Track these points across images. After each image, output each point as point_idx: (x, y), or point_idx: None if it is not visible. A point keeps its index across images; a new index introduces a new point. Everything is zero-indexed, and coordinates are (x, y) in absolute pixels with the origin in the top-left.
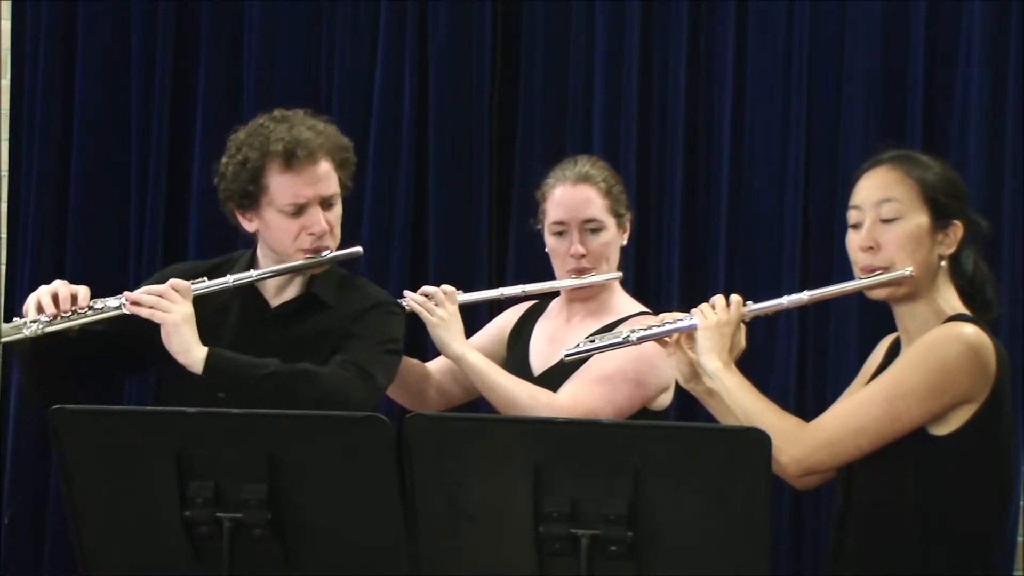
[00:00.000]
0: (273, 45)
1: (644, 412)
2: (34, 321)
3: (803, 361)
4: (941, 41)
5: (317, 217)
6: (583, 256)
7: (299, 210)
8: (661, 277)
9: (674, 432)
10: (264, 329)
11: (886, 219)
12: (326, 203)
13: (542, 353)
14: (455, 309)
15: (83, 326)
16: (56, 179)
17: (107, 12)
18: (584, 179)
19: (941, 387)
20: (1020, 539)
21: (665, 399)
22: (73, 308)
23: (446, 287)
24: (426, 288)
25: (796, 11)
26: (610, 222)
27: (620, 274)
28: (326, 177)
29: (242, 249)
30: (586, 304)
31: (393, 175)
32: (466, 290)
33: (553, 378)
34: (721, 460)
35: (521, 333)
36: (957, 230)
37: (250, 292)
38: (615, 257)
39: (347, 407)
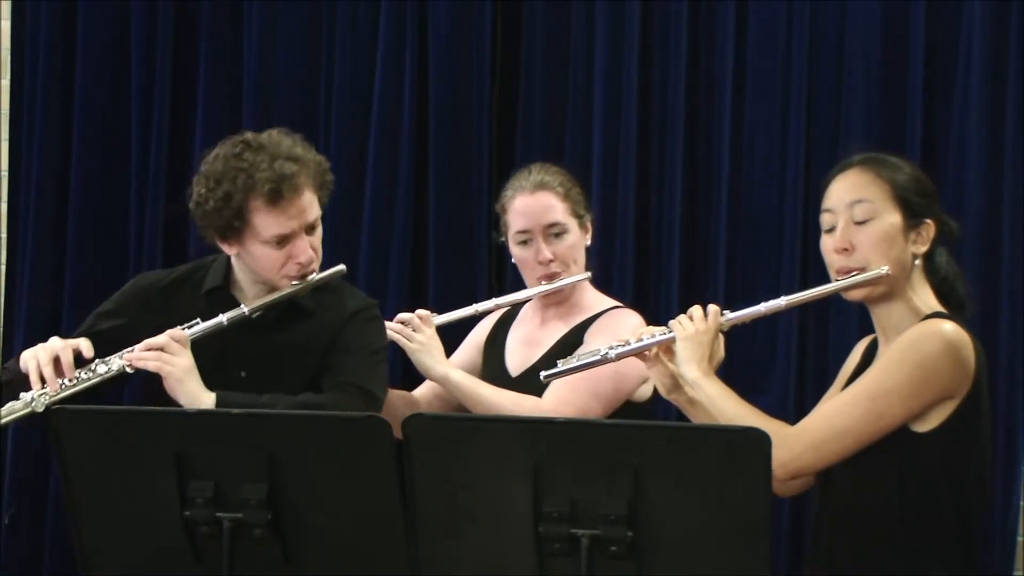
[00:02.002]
0: (273, 45)
1: (628, 405)
2: (41, 394)
3: (803, 362)
4: (941, 41)
5: (303, 246)
6: (551, 261)
7: (284, 240)
8: (661, 277)
9: (674, 432)
10: (244, 337)
11: (859, 220)
12: (310, 229)
13: (519, 356)
14: (433, 332)
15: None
16: (56, 179)
17: (107, 12)
18: (541, 186)
19: (924, 384)
20: (1020, 539)
21: (646, 390)
22: (77, 375)
23: (421, 311)
24: (401, 315)
25: (796, 11)
26: (572, 224)
27: (589, 274)
28: (309, 205)
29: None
30: (559, 306)
31: (393, 175)
32: (467, 289)
33: (531, 380)
34: (721, 460)
35: (496, 339)
36: (929, 229)
37: (226, 301)
38: (582, 258)
39: None
